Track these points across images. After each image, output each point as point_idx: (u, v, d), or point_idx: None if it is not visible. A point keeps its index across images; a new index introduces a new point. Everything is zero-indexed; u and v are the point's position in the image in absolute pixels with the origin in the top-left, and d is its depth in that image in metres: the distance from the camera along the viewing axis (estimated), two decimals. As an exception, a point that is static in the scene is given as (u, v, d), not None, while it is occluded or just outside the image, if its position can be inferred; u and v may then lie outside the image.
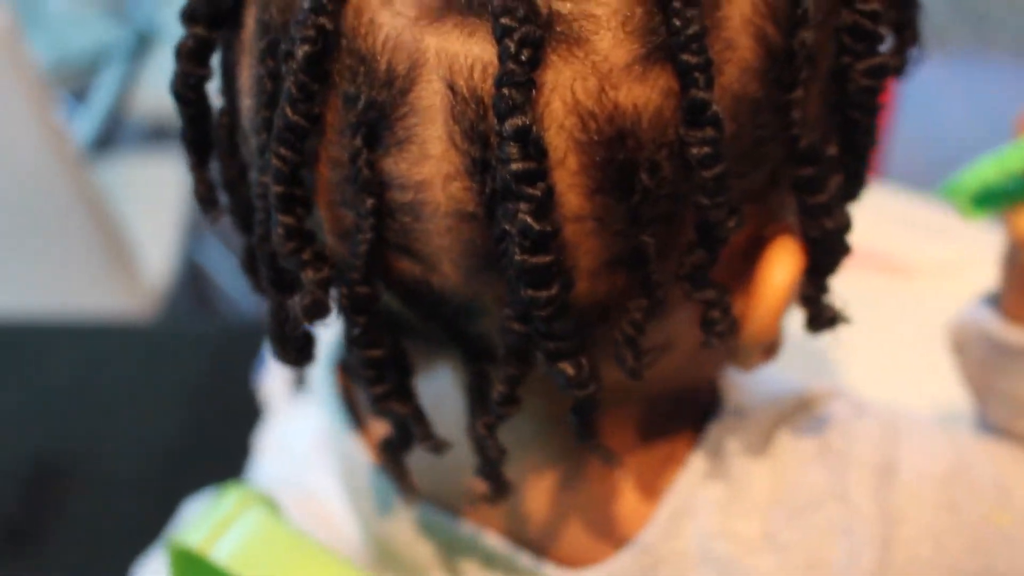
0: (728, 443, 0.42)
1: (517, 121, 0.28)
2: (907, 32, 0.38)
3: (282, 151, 0.32)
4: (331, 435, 0.48)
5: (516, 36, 0.28)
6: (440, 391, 0.42)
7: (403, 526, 0.45)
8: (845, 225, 0.36)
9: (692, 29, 0.29)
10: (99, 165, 1.60)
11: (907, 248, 0.86)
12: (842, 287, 0.40)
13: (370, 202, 0.32)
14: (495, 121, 0.29)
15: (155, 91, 1.74)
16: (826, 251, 0.37)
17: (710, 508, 0.41)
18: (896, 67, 0.38)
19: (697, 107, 0.29)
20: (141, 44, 1.80)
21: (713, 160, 0.30)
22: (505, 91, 0.28)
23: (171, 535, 0.41)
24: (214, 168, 0.39)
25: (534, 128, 0.28)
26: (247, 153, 0.37)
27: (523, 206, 0.29)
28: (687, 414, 0.43)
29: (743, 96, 0.31)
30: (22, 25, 1.15)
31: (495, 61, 0.29)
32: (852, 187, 0.37)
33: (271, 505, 0.42)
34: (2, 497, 1.12)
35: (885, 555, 0.41)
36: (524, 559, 0.42)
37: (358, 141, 0.31)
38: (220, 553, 0.38)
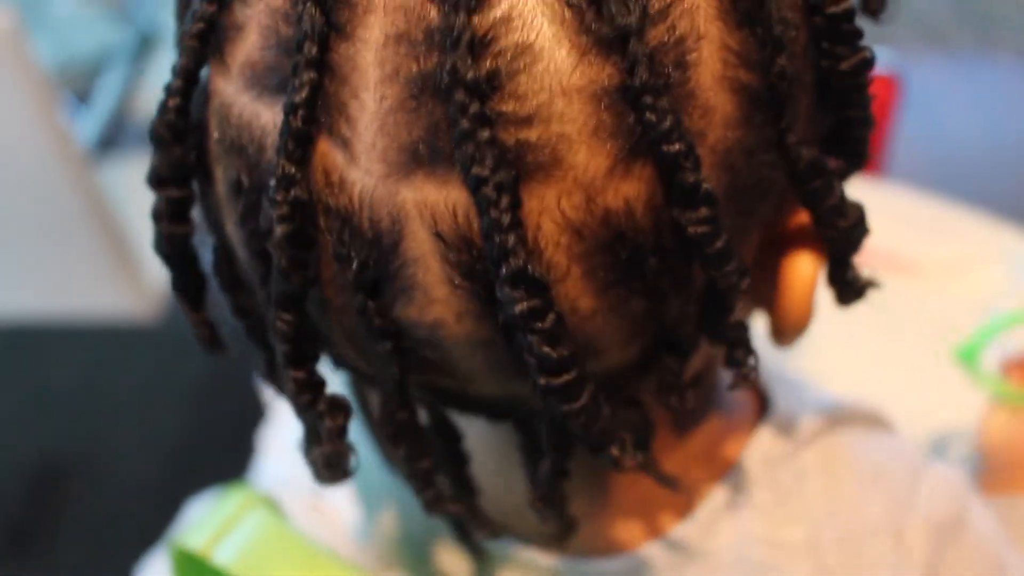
0: (777, 448, 0.42)
1: (512, 265, 0.28)
2: None
3: (285, 316, 0.31)
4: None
5: (491, 184, 0.27)
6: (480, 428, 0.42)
7: (421, 531, 0.45)
8: (859, 217, 0.35)
9: (667, 122, 0.28)
10: (103, 166, 1.60)
11: (911, 247, 0.86)
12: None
13: (389, 345, 0.32)
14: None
15: (158, 93, 1.72)
16: (845, 243, 0.36)
17: (753, 511, 0.41)
18: (873, 10, 0.37)
19: (688, 191, 0.28)
20: (144, 45, 1.80)
21: (713, 236, 0.29)
22: (495, 239, 0.28)
23: (174, 537, 0.40)
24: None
25: (530, 268, 0.28)
26: (259, 298, 0.36)
27: (534, 339, 0.29)
28: (715, 405, 0.43)
29: (733, 147, 0.30)
30: (26, 27, 1.15)
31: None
32: (852, 167, 0.36)
33: (274, 507, 0.42)
34: (6, 497, 1.12)
35: None
36: (547, 559, 0.42)
37: (361, 296, 0.31)
38: (222, 556, 0.38)
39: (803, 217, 0.36)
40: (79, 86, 1.78)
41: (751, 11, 0.30)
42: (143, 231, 1.40)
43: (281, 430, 0.59)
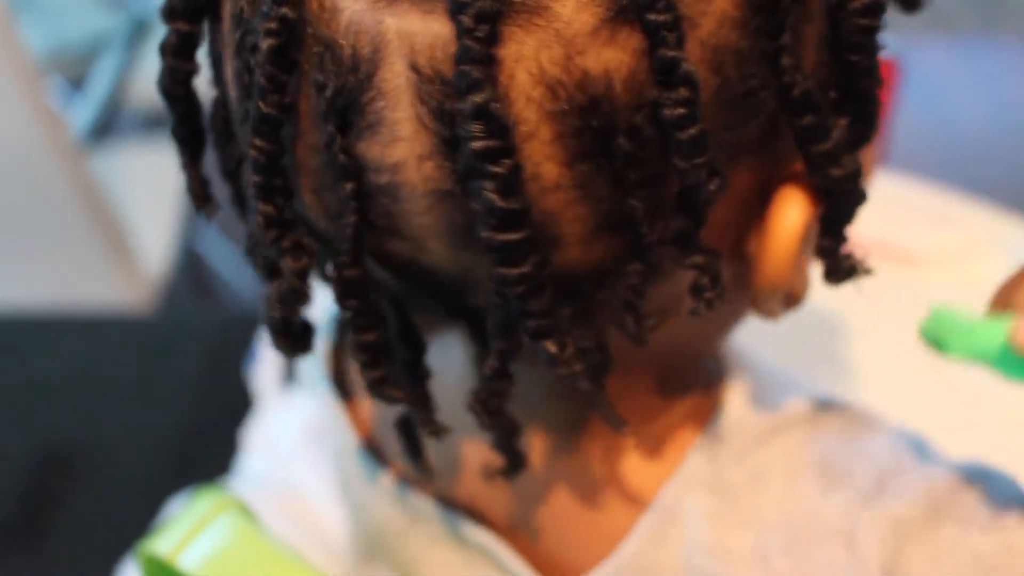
0: (731, 447, 0.40)
1: (477, 99, 0.28)
2: None
3: (258, 142, 0.32)
4: (321, 422, 0.48)
5: (471, 11, 0.28)
6: (452, 364, 0.41)
7: (391, 510, 0.44)
8: (854, 173, 0.34)
9: None
10: (96, 154, 1.60)
11: (912, 236, 0.85)
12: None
13: (349, 186, 0.32)
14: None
15: (153, 79, 1.71)
16: (839, 200, 0.35)
17: (700, 518, 0.39)
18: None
19: (668, 67, 0.28)
20: (138, 32, 1.79)
21: (688, 121, 0.29)
22: (464, 69, 0.28)
23: (142, 541, 0.40)
24: (208, 162, 0.39)
25: (493, 105, 0.28)
26: (242, 142, 0.37)
27: (488, 184, 0.29)
28: (697, 382, 0.42)
29: (725, 48, 0.30)
30: (18, 12, 1.15)
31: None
32: (861, 131, 0.35)
33: (245, 510, 0.41)
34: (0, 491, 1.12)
35: None
36: (511, 560, 0.42)
37: (331, 127, 0.31)
38: (188, 561, 0.38)
39: (798, 175, 0.35)
40: (73, 72, 1.78)
41: None
42: (137, 220, 1.39)
43: (264, 425, 0.58)
